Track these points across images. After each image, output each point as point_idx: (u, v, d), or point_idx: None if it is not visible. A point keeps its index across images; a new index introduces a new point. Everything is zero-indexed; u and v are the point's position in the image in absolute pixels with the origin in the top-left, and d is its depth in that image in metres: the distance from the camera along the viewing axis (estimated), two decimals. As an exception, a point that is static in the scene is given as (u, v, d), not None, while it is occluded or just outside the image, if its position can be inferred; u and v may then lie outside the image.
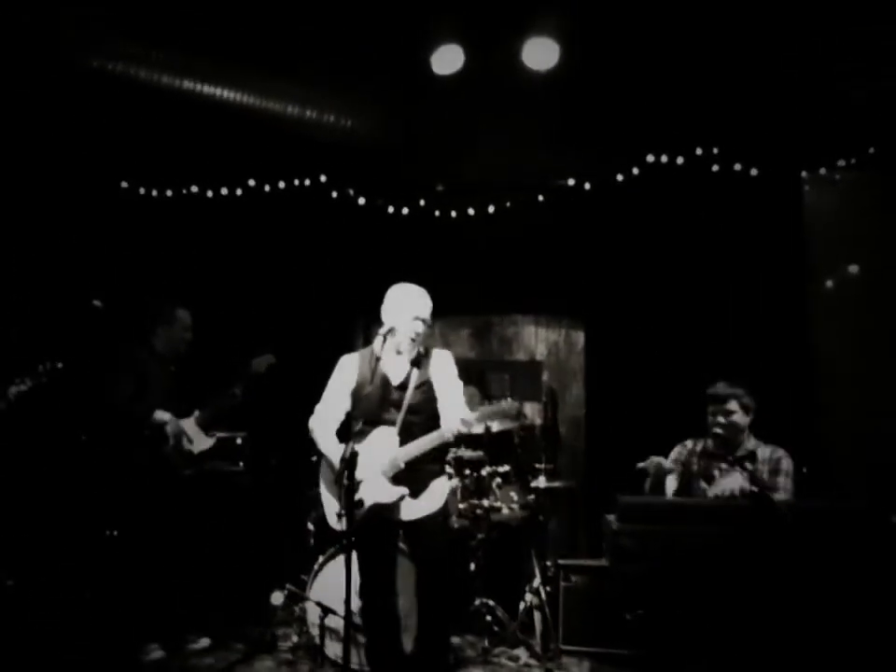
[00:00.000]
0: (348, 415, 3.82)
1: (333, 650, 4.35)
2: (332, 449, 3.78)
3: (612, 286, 6.01)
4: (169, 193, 6.13)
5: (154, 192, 6.11)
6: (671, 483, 4.14)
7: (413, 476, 3.70)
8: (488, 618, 4.71)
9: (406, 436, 3.69)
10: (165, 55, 5.11)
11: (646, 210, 5.87)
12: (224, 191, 6.16)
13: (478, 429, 4.56)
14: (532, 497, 5.13)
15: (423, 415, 3.76)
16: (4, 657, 4.27)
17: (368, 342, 6.35)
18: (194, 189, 6.14)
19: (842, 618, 3.20)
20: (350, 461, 3.35)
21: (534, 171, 6.05)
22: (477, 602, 4.77)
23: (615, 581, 4.51)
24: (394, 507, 3.71)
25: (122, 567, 4.68)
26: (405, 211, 6.23)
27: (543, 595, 4.80)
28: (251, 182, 6.15)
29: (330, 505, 3.82)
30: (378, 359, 3.71)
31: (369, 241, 6.23)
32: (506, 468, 5.11)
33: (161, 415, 4.70)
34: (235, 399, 4.90)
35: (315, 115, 5.57)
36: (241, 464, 5.28)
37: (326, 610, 4.35)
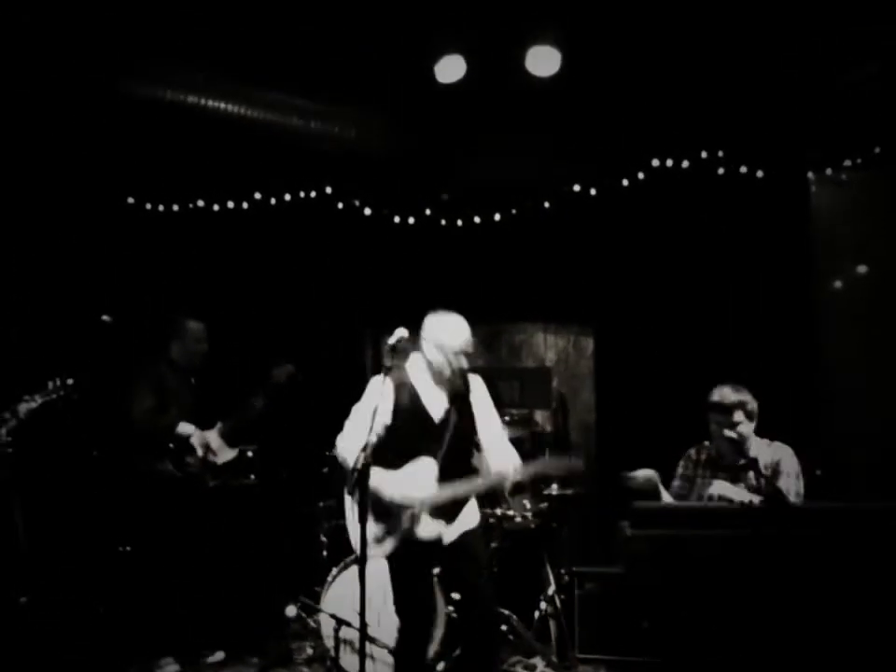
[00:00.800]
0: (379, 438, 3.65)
1: (348, 661, 4.34)
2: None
3: (620, 291, 6.01)
4: (175, 208, 6.15)
5: (161, 207, 6.13)
6: (667, 497, 4.08)
7: (448, 505, 3.62)
8: (503, 627, 4.69)
9: (446, 470, 3.60)
10: (169, 69, 5.14)
11: (652, 215, 5.87)
12: (230, 205, 6.17)
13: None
14: (545, 504, 5.10)
15: (463, 447, 3.70)
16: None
17: (376, 353, 6.38)
18: (200, 203, 6.15)
19: (859, 621, 3.18)
20: (363, 472, 3.32)
21: (539, 178, 6.05)
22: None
23: (630, 588, 4.51)
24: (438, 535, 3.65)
25: (137, 582, 4.69)
26: (411, 221, 6.24)
27: (558, 604, 4.78)
28: (257, 195, 6.16)
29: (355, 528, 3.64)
30: (415, 388, 3.67)
31: (375, 251, 6.23)
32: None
33: (185, 427, 4.73)
34: (257, 410, 4.91)
35: (320, 126, 5.59)
36: (252, 477, 5.28)
37: (340, 622, 4.34)
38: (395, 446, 3.64)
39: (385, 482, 3.58)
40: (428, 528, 3.60)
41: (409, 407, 3.67)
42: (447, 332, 3.68)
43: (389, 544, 3.62)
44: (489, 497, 4.94)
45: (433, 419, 3.69)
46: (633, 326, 5.96)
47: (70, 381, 4.35)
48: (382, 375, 3.59)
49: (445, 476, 3.60)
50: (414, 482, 3.59)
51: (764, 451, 3.95)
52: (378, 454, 3.49)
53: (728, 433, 3.87)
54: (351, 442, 3.57)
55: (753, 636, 3.27)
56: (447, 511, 3.63)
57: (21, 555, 4.35)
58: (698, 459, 4.11)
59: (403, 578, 3.67)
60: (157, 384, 4.84)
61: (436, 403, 3.72)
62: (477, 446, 3.74)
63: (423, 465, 3.61)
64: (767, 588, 3.22)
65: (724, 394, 3.92)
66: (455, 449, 3.64)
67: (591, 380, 6.31)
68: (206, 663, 4.72)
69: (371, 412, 3.43)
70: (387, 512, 3.60)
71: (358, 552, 3.31)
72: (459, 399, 3.72)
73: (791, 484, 3.84)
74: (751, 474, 3.83)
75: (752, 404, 3.93)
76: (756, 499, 3.62)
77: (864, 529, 3.22)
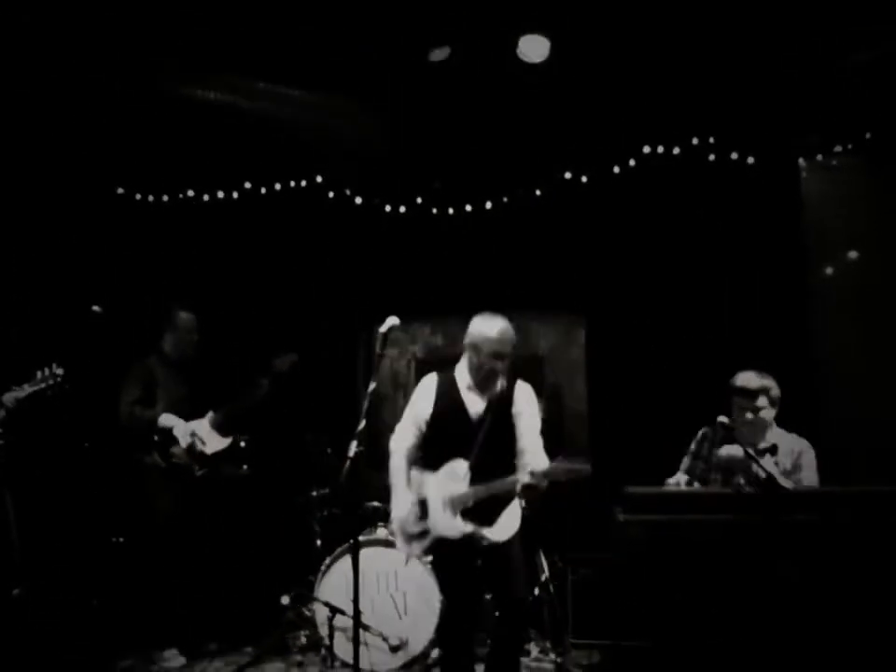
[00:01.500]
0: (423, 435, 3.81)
1: (343, 649, 4.35)
2: (399, 482, 3.77)
3: (611, 279, 6.00)
4: (165, 198, 6.12)
5: (150, 197, 6.11)
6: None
7: (486, 507, 3.63)
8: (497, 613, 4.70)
9: (478, 471, 3.62)
10: (159, 59, 5.11)
11: (644, 201, 5.85)
12: (220, 195, 6.15)
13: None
14: (538, 492, 5.10)
15: (499, 451, 3.69)
16: (11, 666, 4.27)
17: (369, 342, 6.36)
18: (190, 193, 6.13)
19: (853, 605, 3.18)
20: (354, 460, 3.34)
21: (530, 165, 6.03)
22: (486, 598, 4.75)
23: (623, 573, 4.52)
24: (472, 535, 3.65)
25: (130, 573, 4.68)
26: (402, 209, 6.22)
27: (552, 590, 4.79)
28: (247, 185, 6.14)
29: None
30: (458, 389, 3.73)
31: (367, 240, 6.21)
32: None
33: (168, 419, 4.72)
34: (259, 397, 4.92)
35: (310, 115, 5.56)
36: (245, 467, 5.27)
37: (334, 611, 4.34)
38: (435, 443, 3.74)
39: (424, 482, 3.70)
40: (457, 527, 3.62)
41: (449, 405, 3.72)
42: (482, 334, 3.71)
43: (427, 542, 3.69)
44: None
45: (471, 418, 3.71)
46: (625, 314, 5.95)
47: (60, 371, 4.34)
48: (433, 375, 3.82)
49: (478, 478, 3.61)
50: (446, 482, 3.65)
51: (784, 439, 3.94)
52: (421, 452, 3.75)
53: (749, 416, 3.86)
54: (398, 441, 3.82)
55: (746, 620, 3.29)
56: (484, 512, 3.63)
57: (13, 547, 4.34)
58: (714, 438, 4.05)
59: (443, 572, 3.79)
60: (145, 376, 4.84)
61: (475, 403, 3.74)
62: (514, 453, 3.73)
63: (454, 466, 3.65)
64: (760, 572, 3.23)
65: (749, 378, 3.91)
66: (490, 452, 3.65)
67: (583, 369, 6.30)
68: (200, 652, 4.72)
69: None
70: (424, 512, 3.68)
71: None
72: (497, 402, 3.73)
73: (812, 480, 3.82)
74: (770, 458, 3.83)
75: (776, 391, 3.91)
76: (763, 469, 3.58)
77: (859, 513, 3.22)
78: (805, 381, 5.47)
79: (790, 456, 3.87)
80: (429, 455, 3.76)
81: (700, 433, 4.14)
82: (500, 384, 3.73)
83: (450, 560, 3.72)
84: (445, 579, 3.81)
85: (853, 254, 5.72)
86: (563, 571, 4.84)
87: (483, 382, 3.71)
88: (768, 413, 3.91)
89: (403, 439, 3.83)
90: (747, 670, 3.36)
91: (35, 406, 4.41)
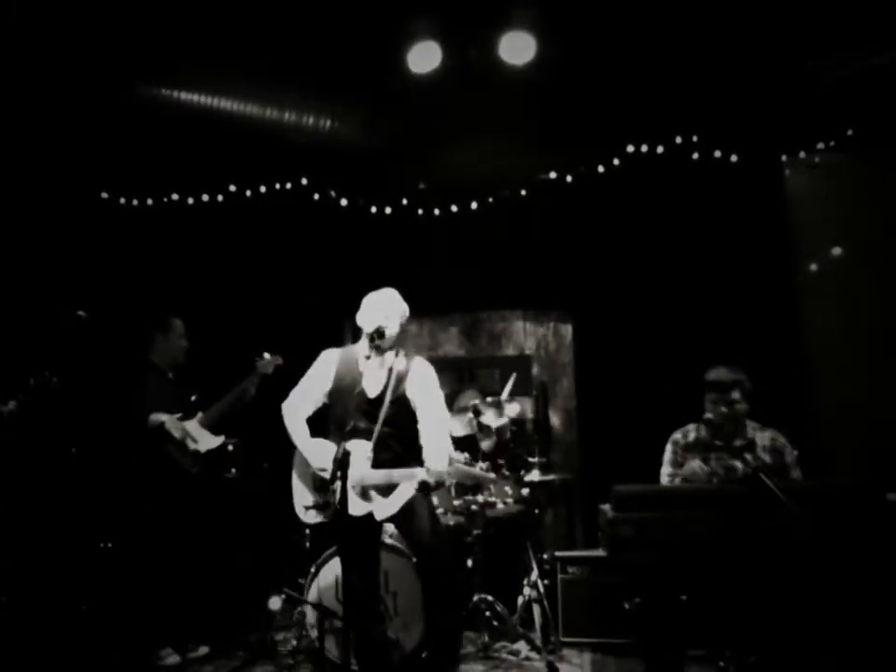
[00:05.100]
0: (319, 410, 3.87)
1: (333, 651, 4.34)
2: (303, 437, 3.81)
3: (598, 277, 6.02)
4: (150, 202, 6.10)
5: (135, 201, 6.09)
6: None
7: (382, 488, 3.71)
8: (487, 613, 4.70)
9: (381, 449, 3.68)
10: (141, 62, 5.09)
11: (629, 200, 5.88)
12: (205, 198, 6.14)
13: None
14: (526, 491, 5.12)
15: (400, 429, 3.74)
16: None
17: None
18: (175, 196, 6.11)
19: (841, 597, 3.21)
20: (342, 461, 3.34)
21: (515, 166, 6.05)
22: (476, 598, 4.76)
23: (613, 571, 4.54)
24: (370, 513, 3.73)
25: (120, 577, 4.67)
26: (388, 211, 6.22)
27: (541, 589, 4.80)
28: (231, 187, 6.13)
29: (300, 496, 3.86)
30: (357, 364, 3.76)
31: (353, 242, 6.21)
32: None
33: (157, 416, 4.71)
34: (248, 398, 4.94)
35: (294, 117, 5.55)
36: (233, 470, 5.25)
37: (324, 613, 4.34)
38: (334, 419, 3.79)
39: (324, 452, 3.71)
40: (359, 506, 3.69)
41: (347, 381, 3.74)
42: (370, 299, 3.89)
43: (325, 514, 3.75)
44: (471, 486, 4.96)
45: (367, 395, 3.76)
46: (612, 312, 5.97)
47: (53, 378, 4.36)
48: (333, 349, 3.88)
49: (381, 459, 3.69)
50: (352, 462, 3.62)
51: (759, 434, 4.03)
52: (321, 425, 3.79)
53: (724, 409, 3.95)
54: (292, 411, 3.87)
55: (735, 616, 3.30)
56: (379, 492, 3.70)
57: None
58: (686, 443, 4.12)
59: (344, 546, 3.74)
60: (133, 380, 4.83)
61: (373, 379, 3.78)
62: (416, 431, 3.77)
63: (357, 445, 3.66)
64: (749, 568, 3.24)
65: (721, 373, 4.02)
66: (391, 427, 3.70)
67: (571, 367, 6.32)
68: (191, 657, 4.70)
69: (316, 384, 3.78)
70: (324, 485, 3.70)
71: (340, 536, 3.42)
72: (396, 380, 3.76)
73: (794, 467, 3.93)
74: (748, 455, 3.87)
75: (748, 384, 4.03)
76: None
77: (846, 507, 3.25)
78: (793, 376, 5.51)
79: (768, 452, 3.92)
80: (332, 427, 3.80)
81: (672, 439, 4.18)
82: (400, 360, 3.79)
83: (350, 532, 3.68)
84: (346, 549, 3.73)
85: (837, 250, 5.76)
86: (552, 571, 4.84)
87: (372, 342, 3.70)
88: (742, 407, 4.00)
89: (297, 407, 3.87)
90: (737, 665, 3.39)
91: (26, 413, 4.41)
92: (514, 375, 5.04)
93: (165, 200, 6.12)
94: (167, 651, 4.61)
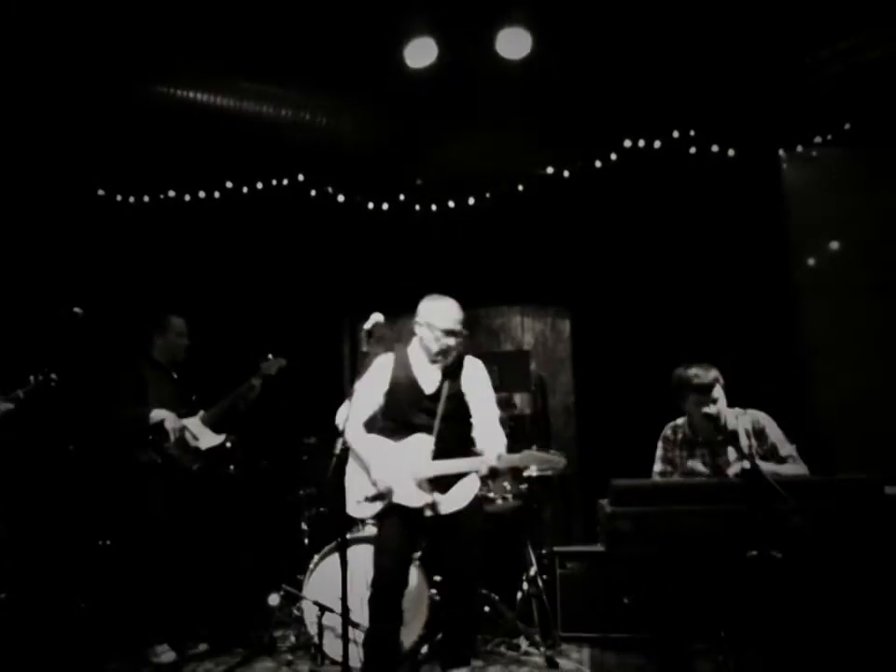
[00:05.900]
0: (376, 414, 3.96)
1: (332, 648, 4.34)
2: (368, 452, 3.87)
3: (596, 272, 6.03)
4: (146, 199, 6.09)
5: (131, 198, 6.08)
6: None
7: (444, 479, 3.78)
8: (486, 609, 4.70)
9: (441, 444, 3.79)
10: (137, 59, 5.08)
11: (626, 195, 5.88)
12: (202, 195, 6.13)
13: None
14: (525, 486, 5.12)
15: (456, 424, 3.87)
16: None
17: (354, 340, 6.37)
18: (171, 193, 6.10)
19: (839, 591, 3.21)
20: (340, 457, 3.35)
21: (512, 161, 6.04)
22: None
23: (611, 566, 4.54)
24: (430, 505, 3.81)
25: (119, 574, 4.67)
26: (385, 206, 6.22)
27: (540, 584, 4.80)
28: (228, 184, 6.12)
29: (353, 491, 3.86)
30: (411, 364, 3.91)
31: (350, 238, 6.21)
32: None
33: (158, 413, 4.70)
34: (251, 398, 4.95)
35: (291, 114, 5.54)
36: (232, 467, 5.25)
37: (323, 609, 4.34)
38: (392, 417, 3.92)
39: (383, 451, 3.84)
40: (419, 498, 3.77)
41: (404, 381, 3.90)
42: (435, 313, 3.90)
43: (378, 506, 3.81)
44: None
45: (424, 392, 3.89)
46: (609, 307, 5.98)
47: (53, 375, 4.37)
48: (387, 353, 3.99)
49: (441, 451, 3.78)
50: (410, 454, 3.80)
51: (740, 420, 3.97)
52: (381, 424, 3.93)
53: (707, 410, 3.89)
54: (356, 436, 3.86)
55: (734, 610, 3.31)
56: (439, 485, 3.78)
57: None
58: (675, 439, 4.12)
59: (387, 539, 3.82)
60: (133, 379, 4.82)
61: (429, 379, 3.92)
62: (470, 427, 3.90)
63: (419, 439, 3.81)
64: (747, 562, 3.24)
65: (701, 373, 3.92)
66: (449, 426, 3.83)
67: (569, 362, 6.33)
68: (190, 654, 4.70)
69: (373, 389, 3.87)
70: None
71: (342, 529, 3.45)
72: (451, 377, 3.91)
73: (783, 442, 3.86)
74: (731, 448, 3.85)
75: (721, 378, 3.96)
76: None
77: (843, 501, 3.24)
78: (790, 369, 5.52)
79: (753, 436, 3.89)
80: (386, 428, 3.93)
81: (663, 435, 4.18)
82: (451, 359, 3.92)
83: (396, 528, 3.82)
84: (385, 545, 3.84)
85: (835, 244, 5.76)
86: (551, 566, 4.84)
87: (437, 358, 3.88)
88: (722, 403, 3.94)
89: (359, 427, 3.92)
90: (735, 659, 3.39)
91: (23, 410, 4.42)
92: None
93: (162, 196, 6.11)
94: (163, 647, 4.61)
